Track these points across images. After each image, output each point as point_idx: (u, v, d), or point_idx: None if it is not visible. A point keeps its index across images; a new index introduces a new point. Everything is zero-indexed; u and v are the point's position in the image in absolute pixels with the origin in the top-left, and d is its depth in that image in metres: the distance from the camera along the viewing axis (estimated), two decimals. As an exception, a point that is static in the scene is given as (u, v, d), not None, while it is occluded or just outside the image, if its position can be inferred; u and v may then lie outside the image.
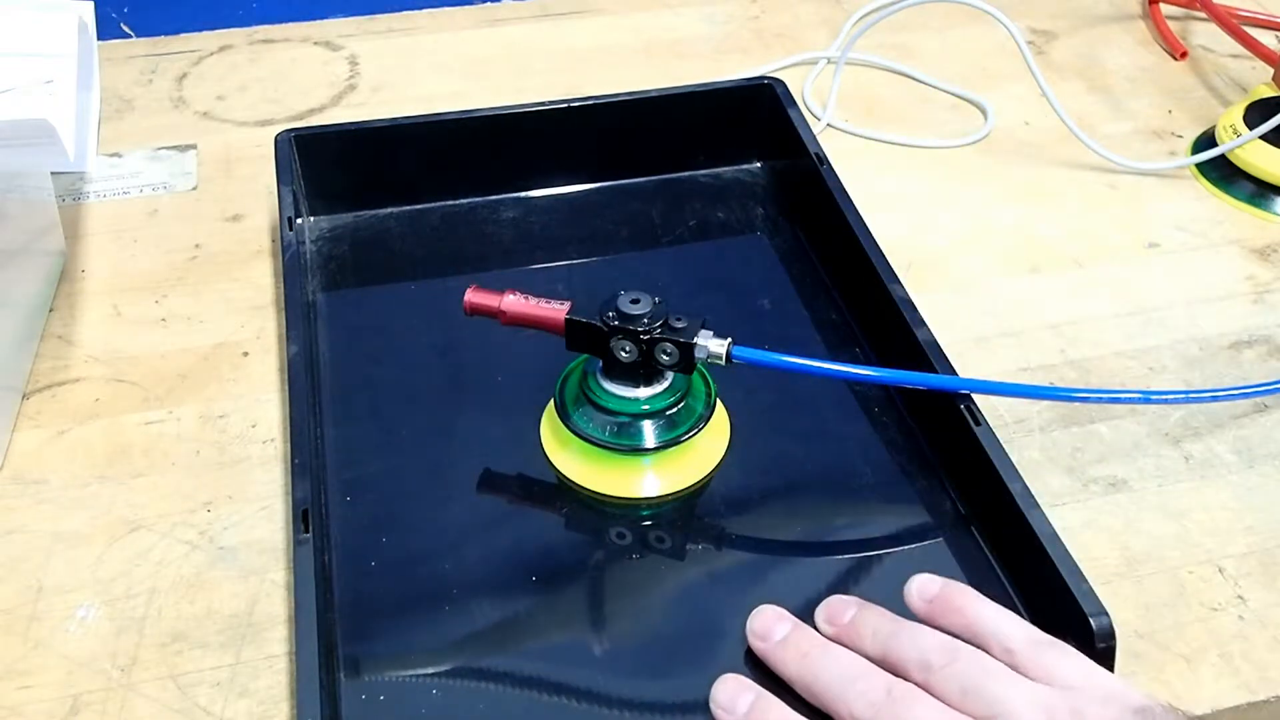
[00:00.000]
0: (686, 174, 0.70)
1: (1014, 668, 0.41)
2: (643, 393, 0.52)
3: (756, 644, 0.45)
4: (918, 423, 0.55)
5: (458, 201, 0.67)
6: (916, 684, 0.41)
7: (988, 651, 0.42)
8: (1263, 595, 0.50)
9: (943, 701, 0.40)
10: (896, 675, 0.41)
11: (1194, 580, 0.50)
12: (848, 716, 0.40)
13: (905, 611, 0.45)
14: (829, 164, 0.64)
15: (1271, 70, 0.75)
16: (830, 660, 0.42)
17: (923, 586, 0.45)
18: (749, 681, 0.43)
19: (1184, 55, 0.83)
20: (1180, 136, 0.76)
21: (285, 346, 0.55)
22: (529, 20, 0.86)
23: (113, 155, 0.73)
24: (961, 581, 0.47)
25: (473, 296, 0.53)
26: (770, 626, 0.45)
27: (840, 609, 0.45)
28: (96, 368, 0.59)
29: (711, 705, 0.43)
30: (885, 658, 0.42)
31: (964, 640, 0.42)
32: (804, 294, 0.62)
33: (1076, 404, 0.57)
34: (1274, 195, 0.70)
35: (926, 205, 0.70)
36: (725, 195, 0.69)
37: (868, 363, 0.58)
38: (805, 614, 0.46)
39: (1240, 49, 0.81)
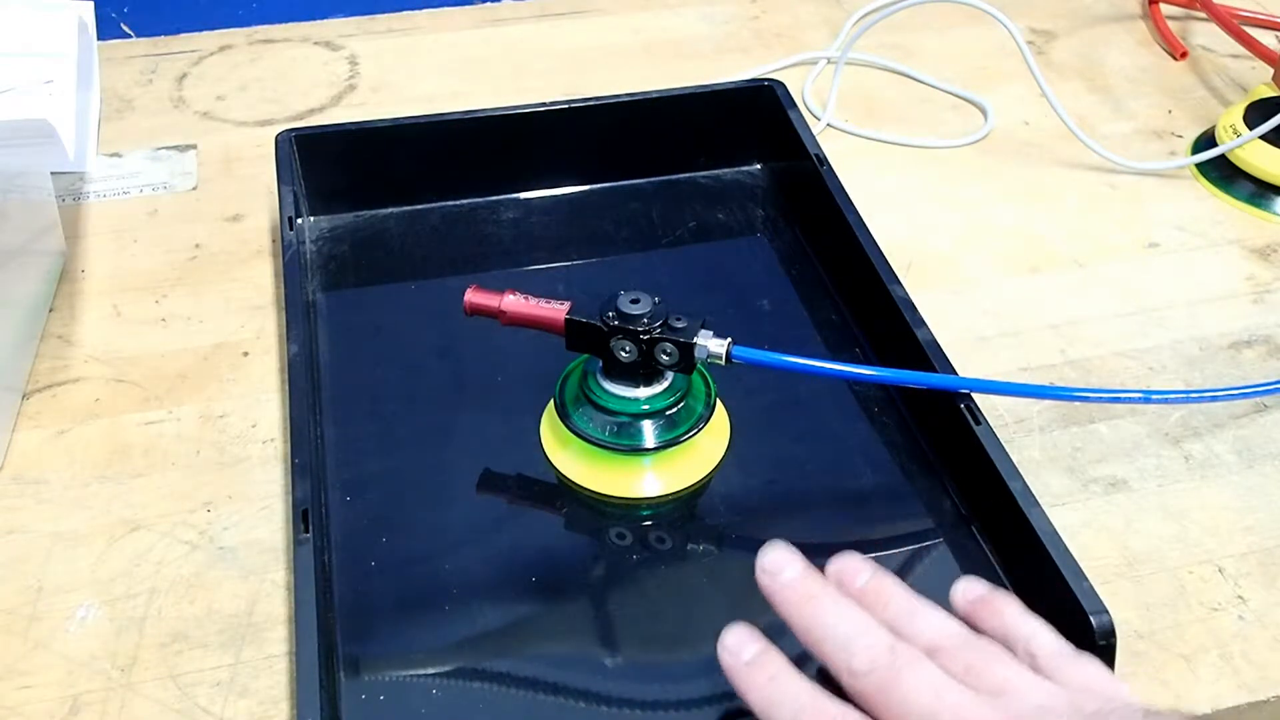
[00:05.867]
0: (686, 175, 0.70)
1: (1033, 670, 0.40)
2: (643, 393, 0.52)
3: (763, 579, 0.42)
4: (918, 423, 0.55)
5: (458, 202, 0.67)
6: None
7: (1012, 651, 0.41)
8: (1263, 595, 0.50)
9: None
10: None
11: (1194, 580, 0.50)
12: (845, 668, 0.39)
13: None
14: (829, 165, 0.64)
15: (1271, 70, 0.75)
16: (837, 610, 0.41)
17: (968, 588, 0.43)
18: (759, 633, 0.41)
19: (1184, 55, 0.83)
20: (1180, 136, 0.76)
21: (285, 346, 0.55)
22: (529, 20, 0.86)
23: (113, 155, 0.73)
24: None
25: (473, 296, 0.53)
26: (780, 563, 0.42)
27: (854, 573, 0.43)
28: (96, 368, 0.59)
29: (719, 647, 0.41)
30: (895, 631, 0.41)
31: (995, 641, 0.41)
32: (804, 294, 0.62)
33: (1076, 404, 0.57)
34: (1274, 195, 0.70)
35: (926, 205, 0.70)
36: (725, 196, 0.69)
37: (868, 363, 0.58)
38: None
39: (1240, 49, 0.81)
